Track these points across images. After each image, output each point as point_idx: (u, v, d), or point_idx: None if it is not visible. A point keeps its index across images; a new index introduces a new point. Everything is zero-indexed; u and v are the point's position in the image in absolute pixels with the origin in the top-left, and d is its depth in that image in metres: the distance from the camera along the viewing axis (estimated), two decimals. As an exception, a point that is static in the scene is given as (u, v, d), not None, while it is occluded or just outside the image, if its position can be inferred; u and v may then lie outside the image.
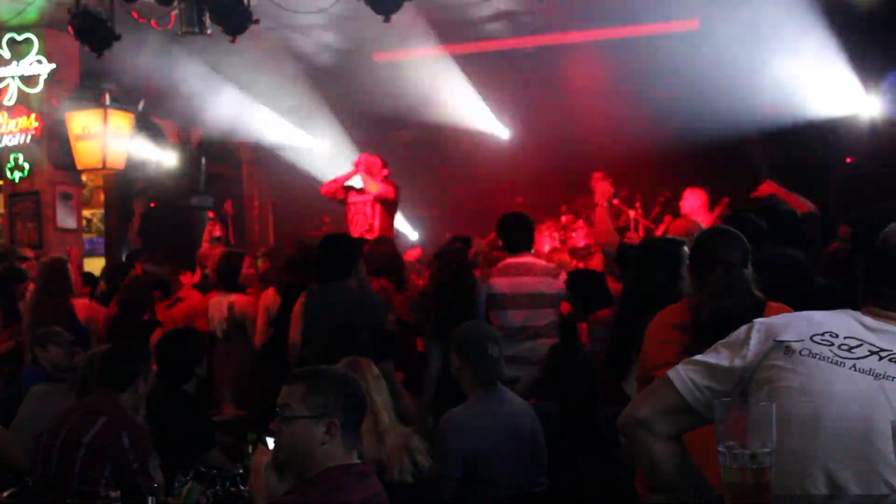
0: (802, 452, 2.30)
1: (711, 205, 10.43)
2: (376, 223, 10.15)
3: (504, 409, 4.98)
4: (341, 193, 10.53)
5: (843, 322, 2.48)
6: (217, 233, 10.32)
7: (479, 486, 4.79)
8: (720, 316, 3.68)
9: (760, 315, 3.43)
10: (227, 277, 8.23)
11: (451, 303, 6.93)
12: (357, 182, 10.41)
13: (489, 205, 13.47)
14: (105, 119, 11.81)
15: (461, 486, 4.78)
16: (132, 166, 12.36)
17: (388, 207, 10.46)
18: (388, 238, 9.49)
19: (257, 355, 7.85)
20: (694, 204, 9.97)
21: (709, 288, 3.89)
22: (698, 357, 2.52)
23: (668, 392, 2.48)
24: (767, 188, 8.02)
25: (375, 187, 10.16)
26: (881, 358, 2.36)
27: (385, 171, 10.38)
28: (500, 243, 7.59)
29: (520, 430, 4.97)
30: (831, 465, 2.28)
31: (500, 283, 6.98)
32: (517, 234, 7.33)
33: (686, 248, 4.86)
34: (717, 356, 2.49)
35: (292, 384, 3.47)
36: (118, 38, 9.40)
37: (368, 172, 10.19)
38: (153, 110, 12.86)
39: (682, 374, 2.48)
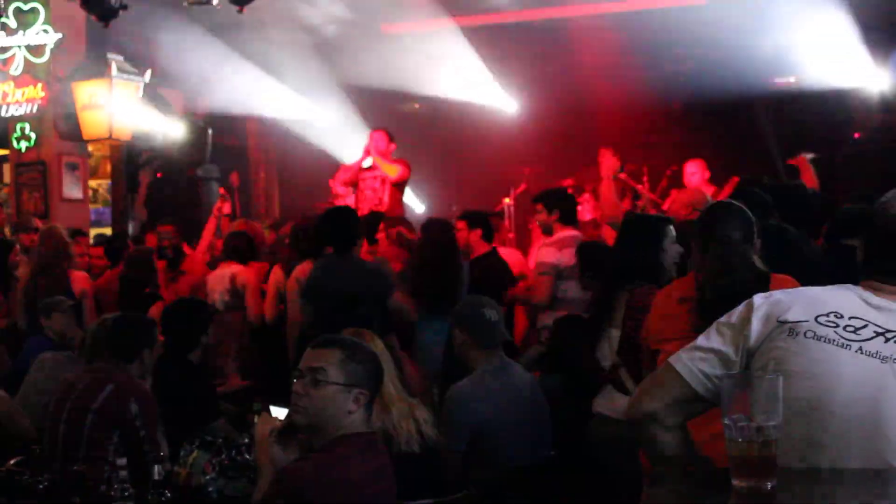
0: (808, 438, 2.27)
1: (720, 182, 10.43)
2: (386, 198, 10.11)
3: (510, 382, 5.01)
4: (356, 177, 10.46)
5: (846, 299, 2.40)
6: (227, 210, 10.28)
7: (486, 458, 4.81)
8: (722, 293, 3.67)
9: (765, 288, 3.43)
10: (233, 250, 8.20)
11: (436, 277, 6.97)
12: (367, 162, 10.29)
13: (496, 178, 13.46)
14: (111, 89, 11.78)
15: (467, 458, 4.80)
16: (138, 137, 12.33)
17: (399, 183, 10.39)
18: (402, 216, 9.47)
19: (262, 328, 7.86)
20: (703, 177, 9.98)
21: (708, 266, 3.90)
22: (702, 342, 2.44)
23: (676, 383, 2.41)
24: (800, 161, 8.00)
25: (395, 171, 10.07)
26: (887, 339, 2.29)
27: (392, 146, 10.32)
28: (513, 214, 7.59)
29: (526, 402, 5.00)
30: (837, 451, 2.24)
31: (571, 255, 6.91)
32: (572, 206, 7.38)
33: (670, 226, 4.96)
34: (721, 341, 2.41)
35: (326, 348, 3.45)
36: (125, 7, 9.38)
37: (380, 154, 10.13)
38: (160, 81, 12.81)
39: (690, 365, 2.40)
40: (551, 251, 7.10)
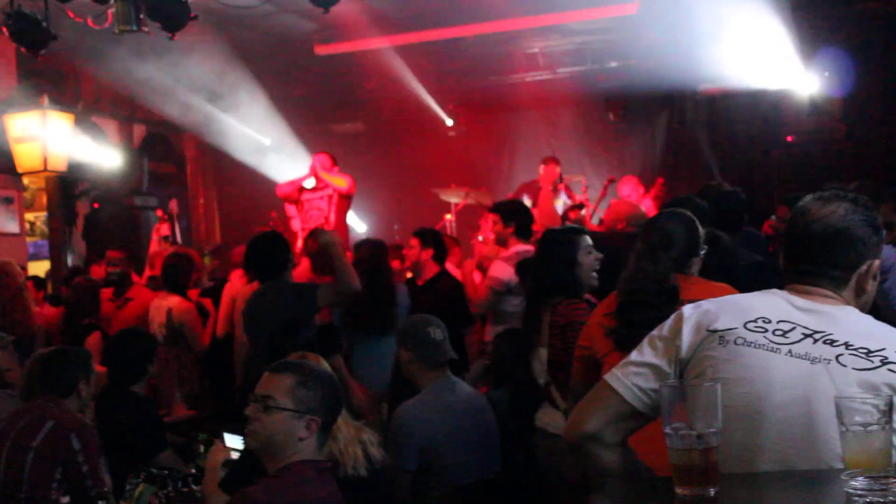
0: (748, 443, 2.29)
1: (646, 186, 10.60)
2: (332, 217, 10.05)
3: (456, 399, 5.01)
4: (296, 195, 10.40)
5: (773, 304, 2.44)
6: (165, 231, 10.20)
7: (435, 477, 4.81)
8: (627, 301, 3.88)
9: (671, 302, 3.52)
10: (171, 279, 8.04)
11: (367, 300, 6.94)
12: (310, 182, 10.21)
13: (436, 196, 13.48)
14: (44, 120, 11.63)
15: (416, 478, 4.79)
16: (74, 168, 12.17)
17: (344, 201, 10.32)
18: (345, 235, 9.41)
19: (208, 354, 7.76)
20: (639, 194, 10.16)
21: (622, 276, 4.03)
22: (635, 357, 2.46)
23: (613, 401, 2.42)
24: None
25: (344, 182, 10.02)
26: (815, 341, 2.32)
27: (336, 168, 10.31)
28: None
29: (473, 418, 5.01)
30: (776, 453, 2.27)
31: None
32: (528, 221, 7.42)
33: (586, 238, 5.03)
34: (654, 354, 2.44)
35: (279, 374, 3.44)
36: (55, 38, 9.26)
37: (326, 170, 10.09)
38: (93, 110, 12.70)
39: (625, 381, 2.42)
40: (505, 268, 7.06)
